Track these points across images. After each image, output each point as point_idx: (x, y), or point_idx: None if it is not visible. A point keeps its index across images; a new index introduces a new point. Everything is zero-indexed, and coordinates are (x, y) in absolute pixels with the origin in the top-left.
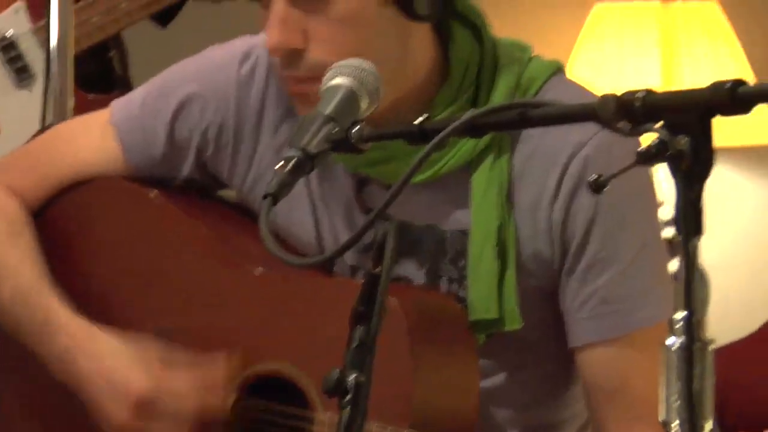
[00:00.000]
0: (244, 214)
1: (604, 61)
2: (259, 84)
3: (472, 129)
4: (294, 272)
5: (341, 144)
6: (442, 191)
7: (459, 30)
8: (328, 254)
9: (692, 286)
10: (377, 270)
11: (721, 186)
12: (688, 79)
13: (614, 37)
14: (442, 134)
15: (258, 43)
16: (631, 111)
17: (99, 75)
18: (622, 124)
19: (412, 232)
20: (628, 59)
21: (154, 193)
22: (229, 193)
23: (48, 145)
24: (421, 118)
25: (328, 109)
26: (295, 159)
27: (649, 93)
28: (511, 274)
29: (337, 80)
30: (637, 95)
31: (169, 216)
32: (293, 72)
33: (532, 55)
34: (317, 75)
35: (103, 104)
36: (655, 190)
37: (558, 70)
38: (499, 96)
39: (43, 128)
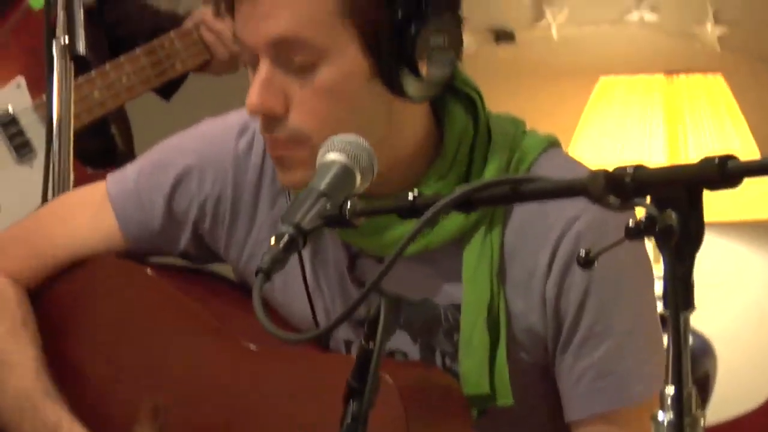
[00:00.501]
0: (238, 289)
1: (610, 133)
2: (256, 157)
3: (464, 204)
4: (288, 348)
5: (334, 220)
6: (434, 265)
7: (454, 104)
8: (320, 330)
9: (681, 361)
10: (370, 345)
11: (728, 260)
12: (693, 152)
13: (619, 110)
14: (433, 209)
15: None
16: (621, 186)
17: (101, 150)
18: (612, 199)
19: (406, 306)
20: (633, 132)
21: (148, 272)
22: (220, 267)
23: (43, 224)
24: (412, 193)
25: (322, 185)
26: (288, 235)
27: (638, 168)
28: (502, 348)
29: (331, 156)
30: (627, 170)
31: (164, 294)
32: (272, 134)
33: (526, 129)
34: (296, 140)
35: (104, 179)
36: (650, 262)
37: (551, 144)
38: (491, 171)
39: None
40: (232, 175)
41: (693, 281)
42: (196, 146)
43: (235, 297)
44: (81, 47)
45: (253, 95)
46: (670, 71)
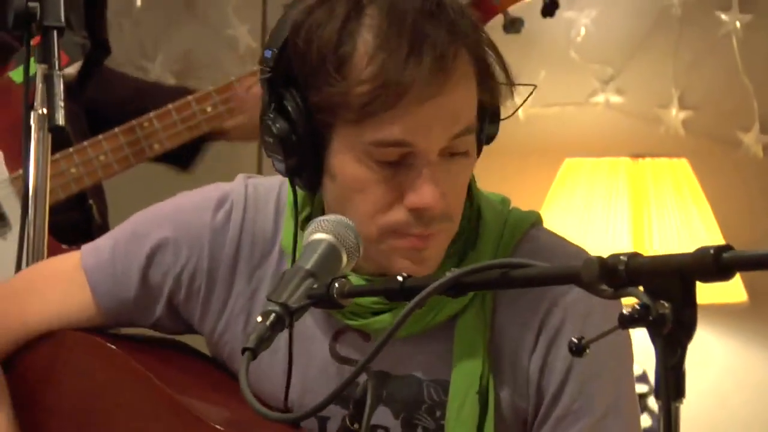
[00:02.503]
0: (208, 363)
1: (575, 214)
2: (234, 230)
3: (455, 288)
4: (260, 426)
5: (322, 299)
6: (424, 343)
7: None
8: (311, 409)
9: None
10: (354, 426)
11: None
12: (657, 236)
13: (585, 192)
14: (422, 294)
15: (233, 189)
16: (614, 274)
17: (77, 224)
18: (604, 287)
19: (390, 382)
20: (598, 213)
21: (116, 348)
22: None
23: (16, 296)
24: (401, 277)
25: (309, 263)
26: (275, 314)
27: (632, 257)
28: (490, 421)
29: (318, 235)
30: (621, 258)
31: (132, 373)
32: (425, 229)
33: (511, 207)
34: (447, 227)
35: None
36: (631, 343)
37: (536, 221)
38: (485, 245)
39: None
40: (209, 248)
41: (684, 371)
42: (172, 218)
43: (203, 371)
44: (60, 118)
45: (432, 193)
46: (635, 154)
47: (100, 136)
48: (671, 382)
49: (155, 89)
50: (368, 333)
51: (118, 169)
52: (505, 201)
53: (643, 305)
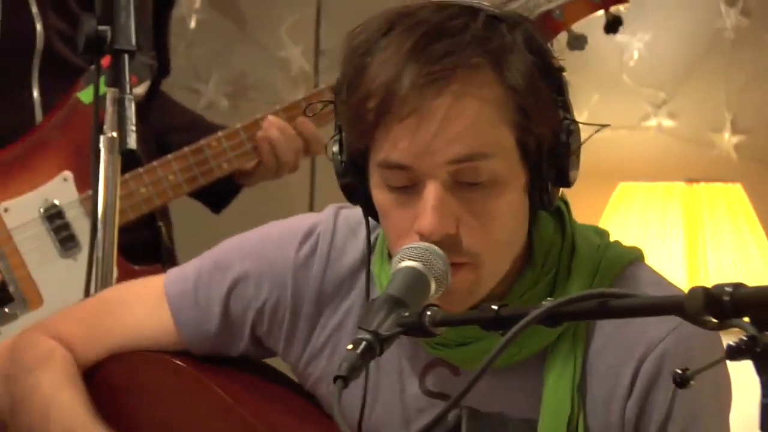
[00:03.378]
0: (292, 388)
1: (628, 239)
2: (319, 263)
3: (551, 318)
4: None
5: (413, 328)
6: (512, 378)
7: (543, 214)
8: None
9: None
10: None
11: None
12: (711, 262)
13: (638, 217)
14: (521, 323)
15: (321, 220)
16: (719, 305)
17: (147, 245)
18: (708, 318)
19: (479, 418)
20: (652, 238)
21: (201, 377)
22: None
23: (104, 309)
24: (496, 305)
25: (397, 291)
26: (366, 342)
27: (737, 288)
28: None
29: (407, 263)
30: (725, 289)
31: (217, 403)
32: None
33: (610, 240)
34: (470, 261)
35: (147, 275)
36: (730, 387)
37: (636, 257)
38: (577, 282)
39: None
40: (292, 283)
41: None
42: (257, 250)
43: (287, 398)
44: (132, 142)
45: (430, 219)
46: (690, 179)
47: (170, 156)
48: None
49: (203, 121)
50: (456, 366)
51: (187, 189)
52: (602, 234)
53: (750, 336)
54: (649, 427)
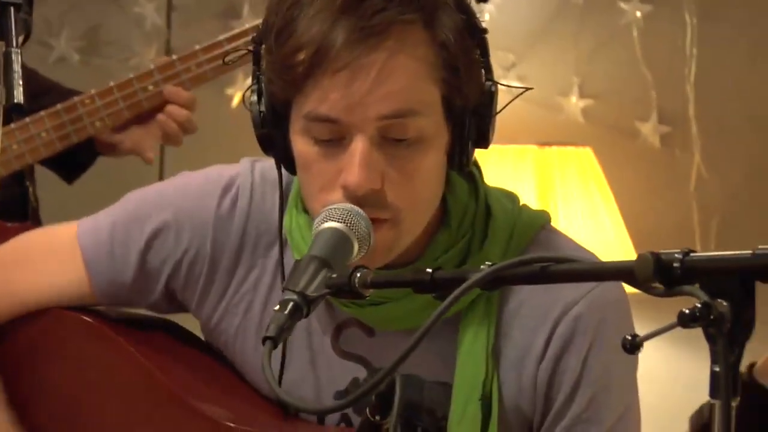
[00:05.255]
0: (198, 345)
1: None
2: (240, 219)
3: (492, 282)
4: (255, 414)
5: (342, 289)
6: (426, 341)
7: (456, 177)
8: (343, 401)
9: None
10: (376, 418)
11: None
12: (563, 222)
13: (490, 179)
14: (462, 287)
15: (239, 174)
16: (669, 272)
17: (16, 204)
18: (657, 285)
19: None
20: None
21: (109, 331)
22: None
23: (6, 264)
24: (430, 268)
25: (322, 252)
26: (293, 302)
27: (687, 254)
28: (493, 427)
29: (329, 224)
30: (675, 256)
31: (123, 354)
32: (368, 212)
33: (520, 203)
34: (392, 217)
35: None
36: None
37: (547, 221)
38: (494, 245)
39: None
40: (212, 236)
41: (739, 370)
42: (176, 202)
43: (195, 356)
44: (19, 95)
45: (359, 173)
46: (542, 142)
47: (42, 113)
48: (729, 381)
49: (58, 86)
50: (370, 327)
51: (59, 146)
52: (513, 198)
53: (704, 303)
54: (560, 391)
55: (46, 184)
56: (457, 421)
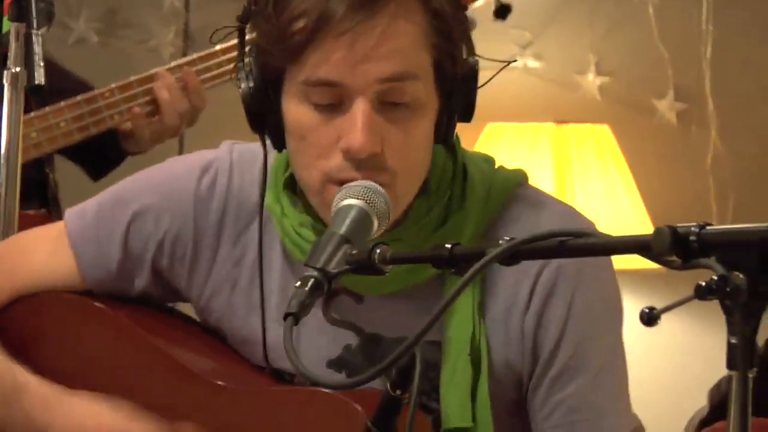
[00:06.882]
0: (195, 324)
1: None
2: (219, 197)
3: (511, 257)
4: (254, 383)
5: (362, 265)
6: (412, 301)
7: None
8: (362, 377)
9: (747, 420)
10: (397, 393)
11: None
12: (580, 200)
13: (507, 157)
14: (480, 263)
15: (217, 156)
16: (686, 245)
17: (35, 190)
18: (673, 259)
19: (381, 344)
20: None
21: (103, 307)
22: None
23: (4, 257)
24: (449, 243)
25: (343, 229)
26: (314, 279)
27: (704, 227)
28: (483, 382)
29: (349, 201)
30: (691, 229)
31: (122, 329)
32: (366, 176)
33: (496, 166)
34: (389, 181)
35: (33, 219)
36: (621, 301)
37: (523, 179)
38: (471, 206)
39: None
40: (193, 215)
41: (756, 341)
42: (156, 185)
43: (192, 331)
44: (40, 77)
45: (361, 136)
46: (559, 120)
47: (62, 103)
48: (746, 353)
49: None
50: (359, 294)
51: (78, 137)
52: (489, 160)
53: (720, 276)
54: (546, 339)
55: (66, 171)
56: (449, 378)
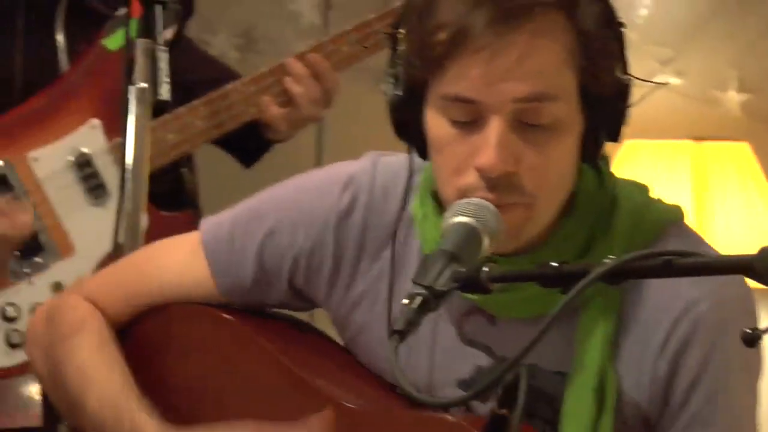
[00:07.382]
0: (326, 339)
1: None
2: (359, 212)
3: (614, 275)
4: (388, 405)
5: (469, 283)
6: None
7: (585, 168)
8: (467, 395)
9: None
10: (503, 411)
11: None
12: (719, 219)
13: (645, 175)
14: (585, 281)
15: (360, 169)
16: None
17: (171, 191)
18: None
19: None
20: (659, 196)
21: (237, 322)
22: None
23: (137, 264)
24: (556, 262)
25: (451, 246)
26: (421, 297)
27: None
28: (608, 419)
29: (460, 218)
30: None
31: (252, 346)
32: (500, 197)
33: (653, 197)
34: (525, 202)
35: (177, 221)
36: (761, 359)
37: (678, 216)
38: (617, 237)
39: (116, 247)
40: (334, 231)
41: None
42: (293, 200)
43: (325, 349)
44: (165, 93)
45: (493, 154)
46: (698, 137)
47: (196, 102)
48: None
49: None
50: (493, 315)
51: (215, 134)
52: (643, 190)
53: None
54: (678, 388)
55: (206, 171)
56: (572, 411)
